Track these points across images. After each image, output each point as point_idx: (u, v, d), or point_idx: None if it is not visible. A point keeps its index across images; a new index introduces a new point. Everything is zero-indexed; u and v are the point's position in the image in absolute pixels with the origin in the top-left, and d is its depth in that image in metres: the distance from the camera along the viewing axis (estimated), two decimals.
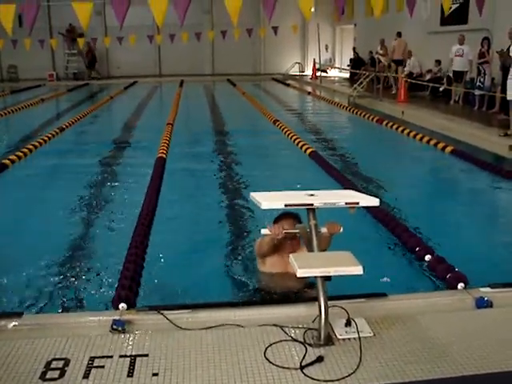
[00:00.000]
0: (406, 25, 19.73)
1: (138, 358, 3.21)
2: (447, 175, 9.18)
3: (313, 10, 22.44)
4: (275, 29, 22.08)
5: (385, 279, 4.63)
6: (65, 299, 4.49)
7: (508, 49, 10.88)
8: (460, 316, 3.80)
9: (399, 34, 19.93)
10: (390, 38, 21.35)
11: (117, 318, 3.70)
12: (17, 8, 9.97)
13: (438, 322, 3.67)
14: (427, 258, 4.98)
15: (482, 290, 4.13)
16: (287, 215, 4.27)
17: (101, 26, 29.98)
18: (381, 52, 21.92)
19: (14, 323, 3.70)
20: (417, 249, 5.20)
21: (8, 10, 9.95)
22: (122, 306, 3.90)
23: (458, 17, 16.83)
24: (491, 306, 3.92)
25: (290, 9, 21.85)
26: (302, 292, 4.32)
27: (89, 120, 15.27)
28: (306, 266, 3.22)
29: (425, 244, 5.32)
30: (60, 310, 4.29)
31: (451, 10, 14.56)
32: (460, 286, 4.24)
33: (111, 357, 3.23)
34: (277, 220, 4.31)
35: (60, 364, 3.16)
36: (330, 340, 3.33)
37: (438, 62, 17.91)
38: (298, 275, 3.20)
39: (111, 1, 10.93)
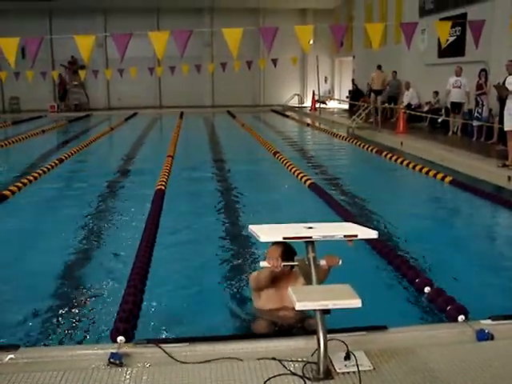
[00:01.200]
0: (404, 57, 20.01)
1: None
2: (446, 206, 9.19)
3: (312, 42, 22.81)
4: (275, 61, 22.33)
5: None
6: (62, 332, 4.46)
7: (504, 81, 11.00)
8: (461, 349, 3.76)
9: (379, 67, 21.45)
10: (388, 69, 21.64)
11: (114, 351, 3.66)
12: (20, 41, 10.09)
13: (438, 354, 3.64)
14: (427, 289, 4.95)
15: (483, 322, 4.10)
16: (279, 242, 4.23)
17: (102, 58, 30.35)
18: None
19: (10, 356, 3.66)
20: (416, 280, 5.18)
21: (11, 43, 10.06)
22: (120, 338, 3.87)
23: (455, 49, 17.04)
24: (492, 339, 3.89)
25: (289, 41, 22.03)
26: (299, 325, 4.28)
27: (89, 151, 15.34)
28: (304, 299, 3.20)
29: (424, 275, 5.29)
30: (57, 343, 4.26)
31: (448, 42, 14.73)
32: (460, 318, 4.21)
33: None
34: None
35: None
36: (329, 374, 3.30)
37: (436, 94, 18.10)
38: (297, 308, 3.18)
39: (112, 34, 11.07)
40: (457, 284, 5.24)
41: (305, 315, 4.23)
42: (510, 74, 10.86)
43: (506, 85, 10.76)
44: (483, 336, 3.90)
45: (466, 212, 8.94)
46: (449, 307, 4.45)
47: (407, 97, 19.87)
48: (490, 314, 4.18)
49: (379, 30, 11.14)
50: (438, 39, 13.52)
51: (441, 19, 16.70)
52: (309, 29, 11.52)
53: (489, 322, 4.09)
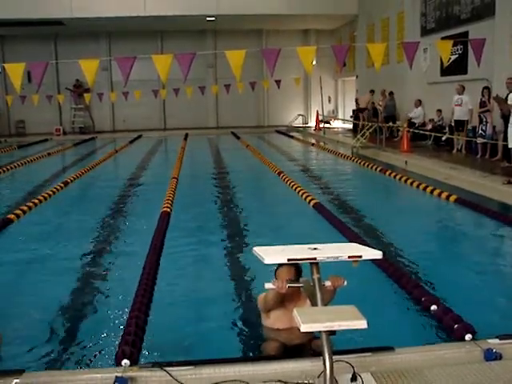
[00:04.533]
0: (407, 75, 20.08)
1: None
2: (452, 224, 9.16)
3: (314, 62, 22.96)
4: (278, 82, 22.41)
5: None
6: (66, 355, 4.43)
7: (506, 97, 11.03)
8: (468, 369, 3.73)
9: (372, 91, 24.09)
10: (391, 89, 21.73)
11: (119, 374, 3.64)
12: (26, 65, 10.17)
13: (446, 375, 3.60)
14: (433, 308, 4.92)
15: (491, 341, 4.06)
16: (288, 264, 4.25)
17: (107, 81, 30.60)
18: (381, 103, 22.22)
19: (15, 381, 3.64)
20: (422, 299, 5.14)
21: (17, 68, 10.15)
22: (125, 362, 3.85)
23: (457, 67, 17.11)
24: (500, 359, 3.85)
25: (292, 62, 22.22)
26: (307, 346, 4.26)
27: (94, 174, 15.38)
28: (309, 320, 3.18)
29: (430, 294, 5.26)
30: (61, 367, 4.23)
31: (451, 60, 14.81)
32: (467, 337, 4.18)
33: None
34: (278, 267, 4.31)
35: None
36: None
37: (440, 112, 18.12)
38: (302, 330, 3.15)
39: (116, 58, 11.16)
40: (463, 302, 5.19)
41: (313, 335, 4.21)
42: (510, 92, 10.88)
43: (509, 102, 10.79)
44: (491, 355, 3.86)
45: (471, 230, 8.90)
46: (456, 326, 4.42)
47: (415, 113, 19.75)
48: (498, 333, 4.14)
49: (381, 50, 11.20)
50: (441, 58, 13.58)
51: (442, 38, 16.81)
52: (311, 50, 11.60)
53: (496, 341, 4.05)
